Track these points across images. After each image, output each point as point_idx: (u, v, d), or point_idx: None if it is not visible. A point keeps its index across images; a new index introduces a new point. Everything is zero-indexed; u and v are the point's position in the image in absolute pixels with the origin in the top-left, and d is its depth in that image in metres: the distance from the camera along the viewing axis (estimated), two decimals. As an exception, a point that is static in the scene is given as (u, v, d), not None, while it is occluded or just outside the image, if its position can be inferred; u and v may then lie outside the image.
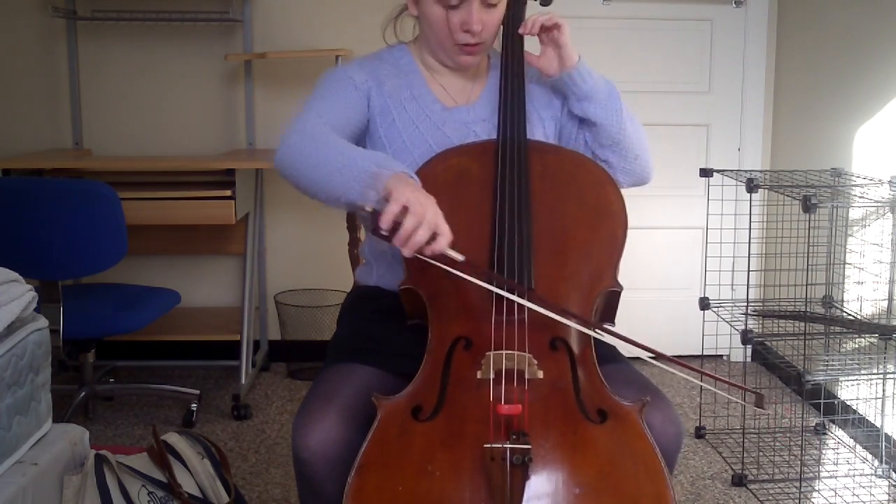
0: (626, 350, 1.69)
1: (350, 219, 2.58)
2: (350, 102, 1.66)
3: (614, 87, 1.71)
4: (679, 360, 1.41)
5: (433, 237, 1.37)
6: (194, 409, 3.06)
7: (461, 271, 1.41)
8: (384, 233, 1.36)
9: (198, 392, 3.10)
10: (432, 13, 1.65)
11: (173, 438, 1.92)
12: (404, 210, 1.35)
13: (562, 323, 1.46)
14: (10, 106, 3.52)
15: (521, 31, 1.69)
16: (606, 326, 1.54)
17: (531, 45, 1.73)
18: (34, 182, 2.88)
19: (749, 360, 3.70)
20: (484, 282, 1.43)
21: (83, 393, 3.01)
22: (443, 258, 1.40)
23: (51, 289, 2.62)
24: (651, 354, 1.42)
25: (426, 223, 1.35)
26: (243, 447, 2.88)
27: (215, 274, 3.69)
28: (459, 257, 1.41)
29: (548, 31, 1.66)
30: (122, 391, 3.33)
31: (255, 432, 3.00)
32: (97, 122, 3.56)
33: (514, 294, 1.44)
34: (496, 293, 1.44)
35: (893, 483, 2.68)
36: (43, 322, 1.77)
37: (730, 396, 1.50)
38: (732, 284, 3.17)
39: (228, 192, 3.09)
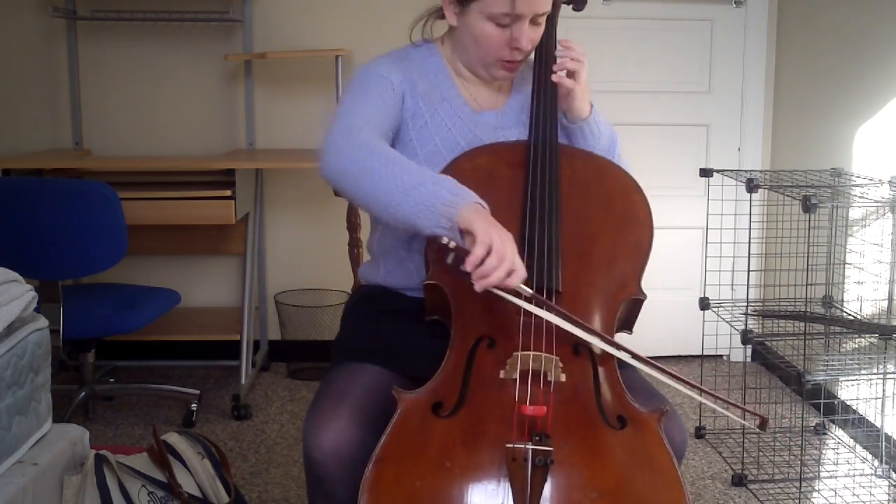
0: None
1: (350, 219, 2.58)
2: (388, 105, 1.63)
3: (616, 143, 1.72)
4: (686, 380, 1.43)
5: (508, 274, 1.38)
6: (194, 409, 3.06)
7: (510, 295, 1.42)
8: (464, 269, 1.37)
9: (198, 392, 3.10)
10: (480, 29, 1.61)
11: (173, 438, 1.92)
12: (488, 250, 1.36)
13: (587, 327, 1.46)
14: (10, 106, 3.52)
15: (553, 68, 1.66)
16: (629, 349, 1.53)
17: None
18: (34, 182, 2.88)
19: (749, 360, 3.69)
20: (524, 301, 1.44)
21: (83, 393, 3.01)
22: (512, 291, 1.42)
23: (51, 289, 2.62)
24: (659, 368, 1.44)
25: (506, 263, 1.37)
26: (243, 447, 2.88)
27: (215, 274, 3.69)
28: (529, 291, 1.43)
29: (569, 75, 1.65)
30: (122, 391, 3.33)
31: (255, 432, 3.00)
32: (97, 122, 3.56)
33: (544, 309, 1.44)
34: (529, 308, 1.44)
35: (893, 483, 2.68)
36: (43, 322, 1.77)
37: (729, 414, 1.49)
38: (732, 284, 3.17)
39: (228, 192, 3.09)
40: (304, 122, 3.54)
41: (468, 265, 1.37)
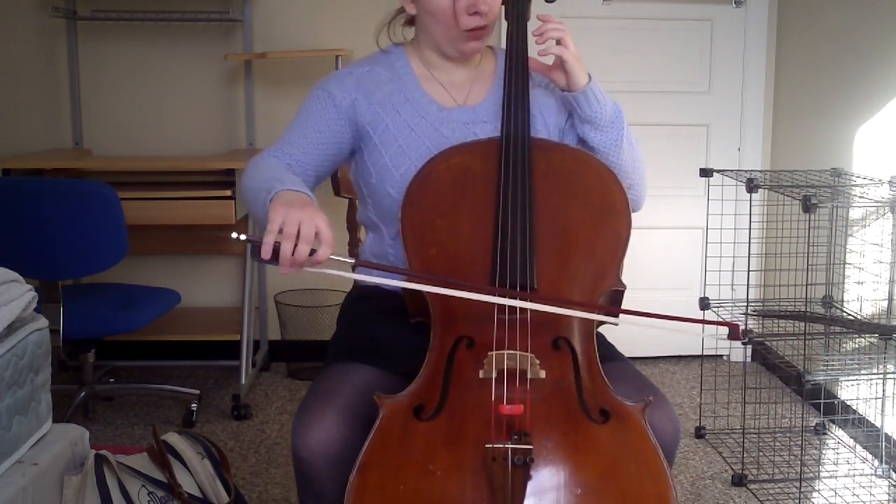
0: (625, 349, 1.70)
1: (350, 219, 2.58)
2: (326, 122, 1.67)
3: (621, 114, 1.69)
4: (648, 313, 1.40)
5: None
6: (194, 409, 3.06)
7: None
8: (266, 261, 1.33)
9: (198, 392, 3.10)
10: (435, 4, 1.63)
11: (173, 438, 1.92)
12: (280, 232, 1.33)
13: (564, 322, 1.45)
14: (10, 106, 3.52)
15: (534, 33, 1.63)
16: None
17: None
18: (34, 182, 2.88)
19: (749, 360, 3.69)
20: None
21: (83, 393, 3.01)
22: (333, 264, 1.39)
23: (51, 289, 2.62)
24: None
25: (302, 239, 1.34)
26: (243, 447, 2.88)
27: (215, 274, 3.69)
28: (349, 260, 1.45)
29: (556, 44, 1.62)
30: (122, 391, 3.33)
31: (255, 432, 3.00)
32: (97, 122, 3.56)
33: (508, 299, 1.43)
34: (493, 299, 1.43)
35: (893, 483, 2.68)
36: (43, 322, 1.77)
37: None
38: (732, 284, 3.16)
39: (228, 192, 3.09)
40: (304, 122, 3.54)
41: (262, 253, 1.33)
